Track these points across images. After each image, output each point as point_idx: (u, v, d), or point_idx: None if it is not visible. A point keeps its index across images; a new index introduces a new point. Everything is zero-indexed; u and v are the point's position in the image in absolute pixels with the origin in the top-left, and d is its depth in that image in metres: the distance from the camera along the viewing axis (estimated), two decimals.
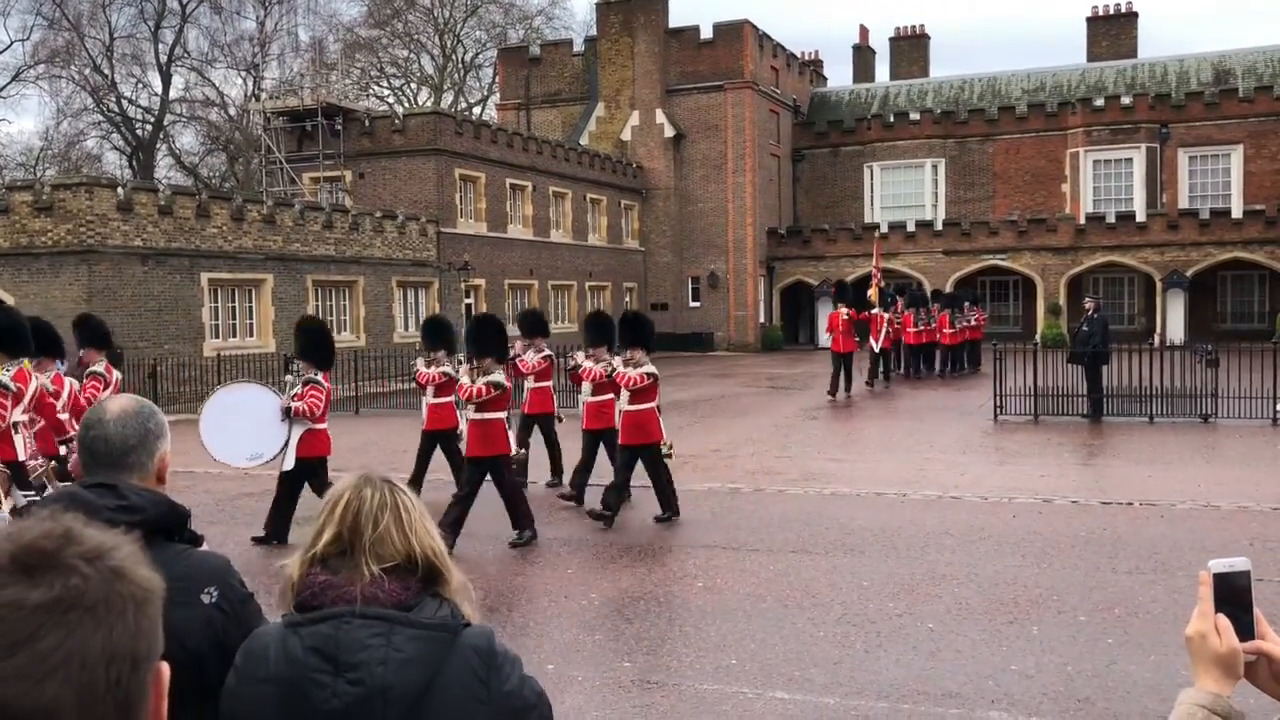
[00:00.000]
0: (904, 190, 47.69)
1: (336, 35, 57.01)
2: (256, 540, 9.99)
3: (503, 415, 10.07)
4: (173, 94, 52.58)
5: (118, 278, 24.01)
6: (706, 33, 44.91)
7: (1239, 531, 9.87)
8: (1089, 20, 49.74)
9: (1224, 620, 1.53)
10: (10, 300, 23.77)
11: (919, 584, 8.26)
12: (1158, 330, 39.50)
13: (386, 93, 60.11)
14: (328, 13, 65.85)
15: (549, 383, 13.05)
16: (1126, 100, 44.33)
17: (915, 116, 47.62)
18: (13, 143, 56.79)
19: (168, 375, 23.61)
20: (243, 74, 53.66)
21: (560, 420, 13.15)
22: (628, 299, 45.37)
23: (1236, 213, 41.30)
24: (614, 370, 10.98)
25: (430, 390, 11.86)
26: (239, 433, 9.57)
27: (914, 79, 52.09)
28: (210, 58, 52.81)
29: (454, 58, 59.73)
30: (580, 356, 12.05)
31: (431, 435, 11.99)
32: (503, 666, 2.00)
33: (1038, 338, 34.82)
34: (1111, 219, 42.28)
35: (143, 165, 51.55)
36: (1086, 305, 20.23)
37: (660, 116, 44.94)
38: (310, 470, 9.98)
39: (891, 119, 47.88)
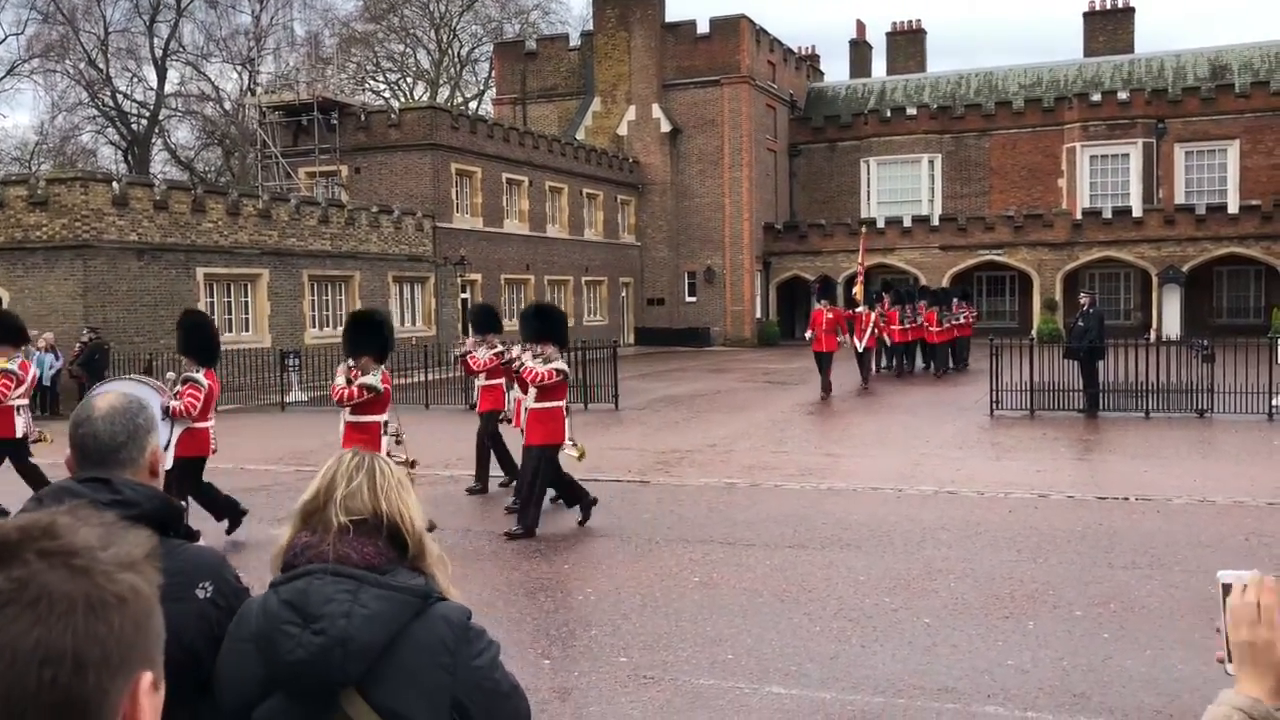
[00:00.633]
0: (900, 185, 47.68)
1: (332, 29, 56.96)
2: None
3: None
4: (168, 88, 52.49)
5: (113, 272, 23.97)
6: (703, 27, 44.88)
7: (1234, 526, 9.88)
8: (1086, 15, 49.75)
9: None
10: (5, 295, 23.74)
11: (915, 579, 8.26)
12: (1154, 325, 39.57)
13: (382, 87, 60.06)
14: (323, 7, 65.88)
15: (501, 380, 12.43)
16: (1123, 95, 44.36)
17: (912, 112, 47.60)
18: (7, 137, 56.64)
19: (163, 370, 23.55)
20: (238, 68, 53.62)
21: (506, 421, 12.21)
22: (624, 294, 45.39)
23: (1232, 208, 41.35)
24: (520, 364, 10.44)
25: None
26: None
27: (911, 74, 52.08)
28: (205, 52, 52.76)
29: (450, 52, 59.66)
30: (516, 350, 11.49)
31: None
32: (474, 642, 2.07)
33: (1034, 333, 34.84)
34: (1108, 214, 42.31)
35: (138, 160, 51.44)
36: (1082, 300, 20.23)
37: (657, 111, 44.90)
38: (189, 470, 9.48)
39: (888, 114, 47.86)
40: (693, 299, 45.70)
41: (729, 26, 44.52)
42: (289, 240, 28.65)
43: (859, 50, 55.74)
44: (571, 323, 40.50)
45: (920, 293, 29.47)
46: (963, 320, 29.48)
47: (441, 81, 58.95)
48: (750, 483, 12.70)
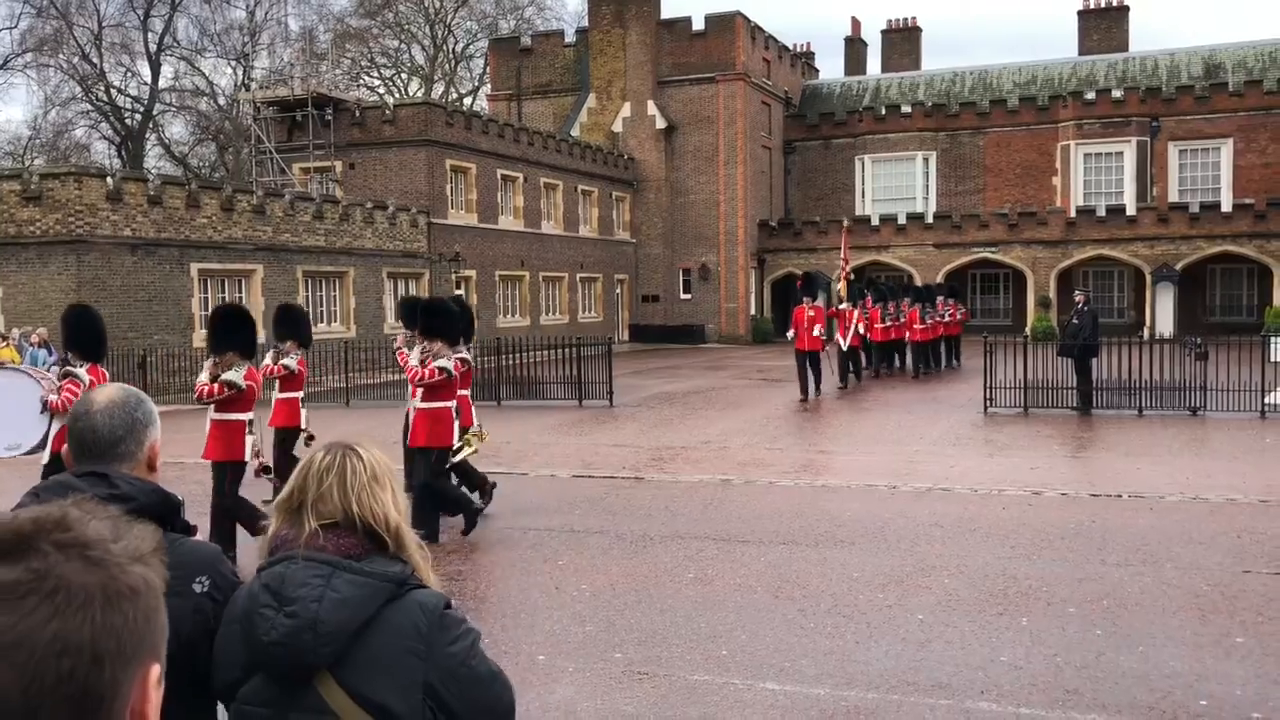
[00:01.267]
0: (895, 183, 47.71)
1: (327, 25, 56.88)
2: None
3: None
4: (162, 83, 52.41)
5: (107, 268, 23.91)
6: (698, 24, 44.87)
7: (1227, 524, 9.91)
8: (1080, 14, 49.83)
9: None
10: None
11: (909, 575, 8.28)
12: (1147, 323, 39.65)
13: (377, 83, 59.99)
14: (318, 2, 65.54)
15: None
16: (1117, 94, 44.42)
17: (907, 109, 47.64)
18: (0, 132, 56.41)
19: (157, 366, 23.54)
20: (232, 63, 53.53)
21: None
22: (619, 290, 45.38)
23: (1226, 206, 41.45)
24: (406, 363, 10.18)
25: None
26: (1, 421, 8.92)
27: (906, 72, 52.13)
28: (200, 47, 52.67)
29: (445, 48, 59.58)
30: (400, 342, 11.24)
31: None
32: (450, 629, 2.09)
33: (1028, 330, 34.92)
34: (1102, 212, 42.38)
35: (132, 155, 51.32)
36: (1076, 298, 20.25)
37: (652, 108, 44.89)
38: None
39: (883, 111, 47.88)
40: (687, 296, 45.71)
41: (724, 23, 44.51)
42: (283, 236, 28.61)
43: (854, 48, 55.79)
44: (566, 319, 40.74)
45: (904, 290, 28.67)
46: (948, 318, 28.72)
47: (436, 77, 58.88)
48: (745, 479, 12.71)
